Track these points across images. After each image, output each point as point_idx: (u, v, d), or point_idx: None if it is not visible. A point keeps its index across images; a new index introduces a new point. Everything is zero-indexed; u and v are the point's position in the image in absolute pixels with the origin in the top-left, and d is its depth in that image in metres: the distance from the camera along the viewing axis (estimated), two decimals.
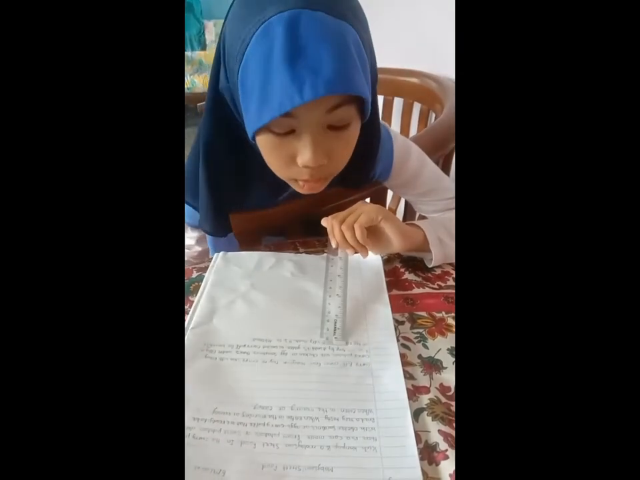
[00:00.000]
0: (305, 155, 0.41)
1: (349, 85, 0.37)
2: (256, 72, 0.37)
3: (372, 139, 0.51)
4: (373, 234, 0.49)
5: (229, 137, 0.48)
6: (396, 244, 0.49)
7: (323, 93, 0.36)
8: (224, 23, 0.43)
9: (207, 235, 0.62)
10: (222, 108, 0.46)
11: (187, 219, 0.60)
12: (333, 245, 0.48)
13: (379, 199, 0.74)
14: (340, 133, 0.42)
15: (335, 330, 0.44)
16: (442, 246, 0.52)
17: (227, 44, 0.41)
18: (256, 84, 0.37)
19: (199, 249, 0.66)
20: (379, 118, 0.51)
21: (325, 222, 0.48)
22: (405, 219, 0.91)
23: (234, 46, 0.39)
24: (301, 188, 0.47)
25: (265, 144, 0.43)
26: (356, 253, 0.48)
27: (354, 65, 0.38)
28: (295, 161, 0.43)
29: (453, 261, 0.54)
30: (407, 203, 0.90)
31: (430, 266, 0.54)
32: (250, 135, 0.42)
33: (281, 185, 0.50)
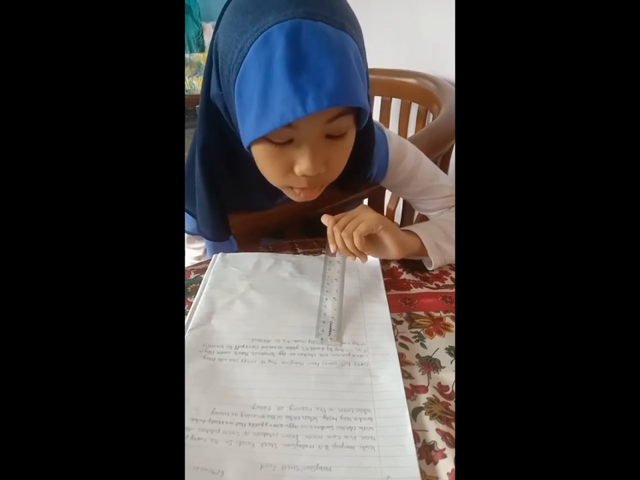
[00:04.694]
0: (303, 164, 0.41)
1: (352, 97, 0.37)
2: (255, 82, 0.37)
3: (367, 143, 0.51)
4: (371, 241, 0.49)
5: (223, 143, 0.48)
6: (393, 252, 0.50)
7: (326, 106, 0.36)
8: (215, 31, 0.42)
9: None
10: (215, 116, 0.46)
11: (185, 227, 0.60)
12: (332, 250, 0.48)
13: (377, 199, 0.75)
14: (337, 142, 0.42)
15: (330, 331, 0.44)
16: (440, 251, 0.52)
17: (220, 52, 0.41)
18: (255, 94, 0.37)
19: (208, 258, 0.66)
20: (373, 124, 0.51)
21: (324, 219, 0.48)
22: (403, 218, 0.91)
23: (229, 55, 0.38)
24: (296, 196, 0.47)
25: (261, 153, 0.42)
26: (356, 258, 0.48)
27: (355, 76, 0.38)
28: (292, 170, 0.43)
29: (452, 262, 0.55)
30: (405, 203, 0.90)
31: (429, 269, 0.54)
32: (246, 144, 0.42)
33: (277, 189, 0.50)
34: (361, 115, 0.42)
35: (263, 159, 0.43)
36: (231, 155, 0.49)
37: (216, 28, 0.42)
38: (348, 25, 0.38)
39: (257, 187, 0.52)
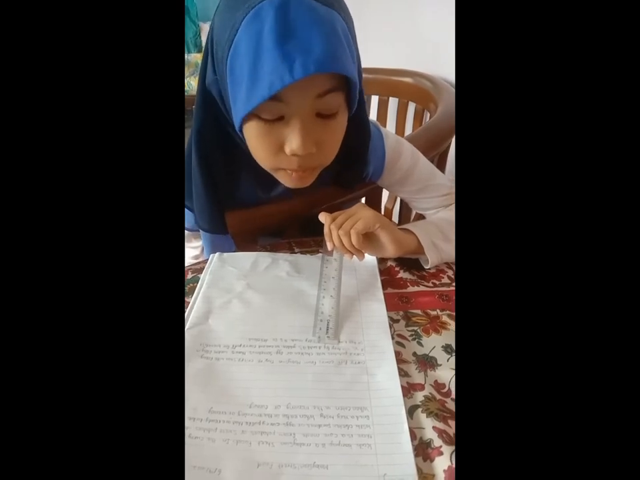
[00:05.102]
0: (293, 142, 0.41)
1: (339, 64, 0.38)
2: (246, 55, 0.38)
3: (361, 134, 0.51)
4: (368, 239, 0.49)
5: (218, 130, 0.48)
6: (390, 250, 0.50)
7: (312, 70, 0.36)
8: (213, 18, 0.43)
9: (202, 236, 0.62)
10: (211, 104, 0.46)
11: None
12: (329, 248, 0.48)
13: (374, 199, 0.75)
14: (328, 122, 0.43)
15: (327, 329, 0.44)
16: (437, 250, 0.52)
17: (215, 35, 0.42)
18: (245, 68, 0.38)
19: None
20: (366, 113, 0.51)
21: (322, 217, 0.48)
22: (400, 217, 0.92)
23: (223, 35, 0.39)
24: (288, 177, 0.47)
25: (252, 131, 0.43)
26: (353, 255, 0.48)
27: (342, 47, 0.39)
28: (282, 149, 0.43)
29: (449, 261, 0.55)
30: (402, 202, 0.90)
31: (426, 267, 0.54)
32: (238, 124, 0.42)
33: (271, 180, 0.50)
34: (351, 95, 0.42)
35: (254, 137, 0.43)
36: (225, 142, 0.49)
37: (213, 17, 0.43)
38: (336, 6, 0.40)
39: (249, 176, 0.52)
